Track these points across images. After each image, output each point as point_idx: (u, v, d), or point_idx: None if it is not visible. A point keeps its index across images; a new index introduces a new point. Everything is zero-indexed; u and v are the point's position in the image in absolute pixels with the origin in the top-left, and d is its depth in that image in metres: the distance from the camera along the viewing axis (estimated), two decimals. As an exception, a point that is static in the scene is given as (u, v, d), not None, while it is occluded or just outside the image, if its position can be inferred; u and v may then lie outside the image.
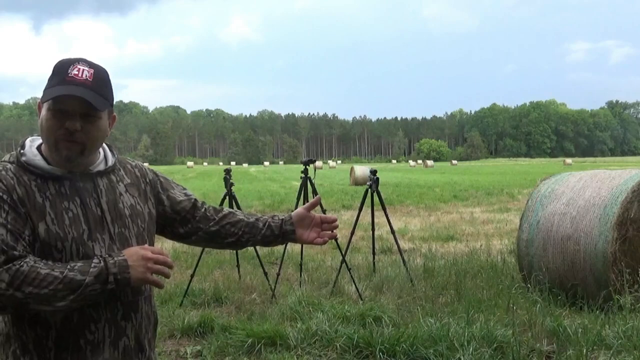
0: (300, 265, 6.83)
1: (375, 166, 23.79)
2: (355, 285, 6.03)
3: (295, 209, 2.03)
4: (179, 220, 1.85)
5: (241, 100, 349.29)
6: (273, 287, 6.15)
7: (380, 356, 4.28)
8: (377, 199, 6.45)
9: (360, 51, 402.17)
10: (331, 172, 53.77)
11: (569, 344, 4.32)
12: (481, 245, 8.98)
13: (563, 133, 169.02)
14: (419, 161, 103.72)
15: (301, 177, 6.42)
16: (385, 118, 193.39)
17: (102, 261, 1.51)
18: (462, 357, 4.09)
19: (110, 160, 1.71)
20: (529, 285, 5.77)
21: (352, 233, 6.67)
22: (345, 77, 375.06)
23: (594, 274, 5.29)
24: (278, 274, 6.42)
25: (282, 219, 1.92)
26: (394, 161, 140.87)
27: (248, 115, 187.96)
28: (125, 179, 1.74)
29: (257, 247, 5.89)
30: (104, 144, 1.71)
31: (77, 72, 1.56)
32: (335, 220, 1.94)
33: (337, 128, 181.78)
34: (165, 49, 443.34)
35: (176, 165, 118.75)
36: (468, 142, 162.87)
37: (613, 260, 5.13)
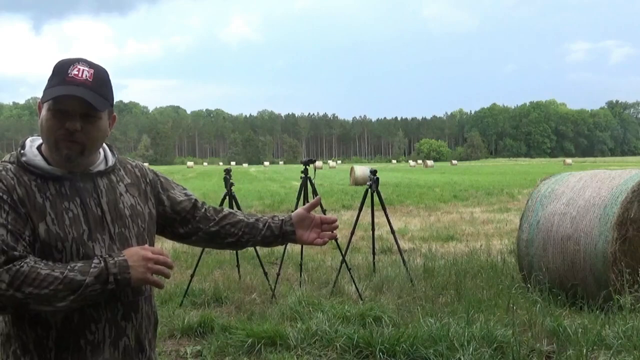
0: (300, 265, 6.83)
1: (375, 166, 23.79)
2: (355, 285, 6.03)
3: (295, 209, 2.03)
4: (179, 221, 1.85)
5: (241, 100, 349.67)
6: (273, 287, 6.15)
7: (380, 356, 4.28)
8: (377, 199, 6.45)
9: (360, 51, 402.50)
10: (331, 172, 53.78)
11: (569, 344, 4.32)
12: (481, 245, 8.98)
13: (563, 133, 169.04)
14: (419, 161, 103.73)
15: (301, 177, 6.42)
16: (385, 118, 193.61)
17: (102, 261, 1.51)
18: (462, 357, 4.09)
19: (111, 161, 1.71)
20: (529, 285, 5.77)
21: (352, 233, 6.67)
22: (345, 77, 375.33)
23: (594, 274, 5.29)
24: (278, 274, 6.42)
25: (282, 220, 1.92)
26: (394, 161, 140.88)
27: (248, 115, 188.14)
28: (126, 179, 1.74)
29: (257, 247, 5.89)
30: (104, 144, 1.71)
31: (77, 72, 1.56)
32: (335, 221, 1.94)
33: (337, 128, 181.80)
34: (165, 49, 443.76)
35: (176, 165, 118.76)
36: (468, 142, 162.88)
37: (613, 260, 5.13)
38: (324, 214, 6.40)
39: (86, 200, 1.60)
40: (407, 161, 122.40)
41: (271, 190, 24.79)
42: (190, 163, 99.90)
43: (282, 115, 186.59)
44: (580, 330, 4.49)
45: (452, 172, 51.53)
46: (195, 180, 38.33)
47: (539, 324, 4.71)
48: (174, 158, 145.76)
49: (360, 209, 6.74)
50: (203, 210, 1.89)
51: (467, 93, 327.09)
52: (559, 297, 5.46)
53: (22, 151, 1.62)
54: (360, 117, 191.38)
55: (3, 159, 1.62)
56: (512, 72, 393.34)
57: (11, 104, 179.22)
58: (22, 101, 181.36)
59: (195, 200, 1.90)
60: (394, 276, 6.62)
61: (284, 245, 5.71)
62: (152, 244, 1.74)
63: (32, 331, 1.55)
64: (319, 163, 69.72)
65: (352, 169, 30.19)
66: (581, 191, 5.69)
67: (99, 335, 1.59)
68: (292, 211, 1.98)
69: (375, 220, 6.86)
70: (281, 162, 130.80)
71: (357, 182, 27.11)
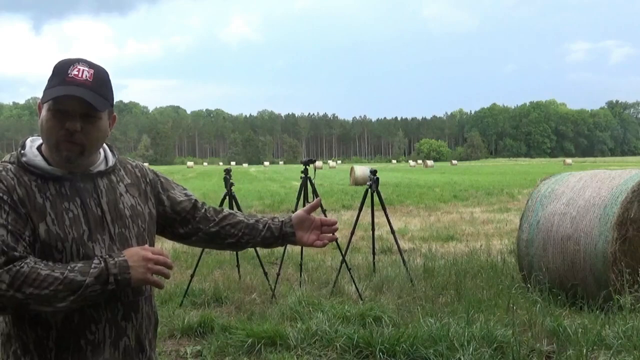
0: (300, 265, 6.83)
1: (375, 166, 23.79)
2: (355, 285, 6.03)
3: (295, 208, 2.04)
4: (179, 221, 1.85)
5: (241, 100, 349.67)
6: (273, 287, 6.15)
7: (380, 356, 4.28)
8: (377, 199, 6.45)
9: (360, 51, 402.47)
10: (331, 172, 53.78)
11: (569, 344, 4.32)
12: (481, 245, 8.98)
13: (563, 133, 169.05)
14: (419, 161, 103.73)
15: (301, 177, 6.42)
16: (385, 118, 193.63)
17: (102, 262, 1.51)
18: (462, 357, 4.09)
19: (111, 161, 1.71)
20: (529, 285, 5.77)
21: (352, 233, 6.67)
22: (345, 77, 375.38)
23: (594, 274, 5.29)
24: (278, 274, 6.42)
25: (282, 221, 1.92)
26: (394, 161, 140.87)
27: (248, 115, 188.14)
28: (126, 179, 1.74)
29: (257, 248, 5.90)
30: (104, 144, 1.71)
31: (77, 73, 1.56)
32: (335, 223, 1.95)
33: (337, 128, 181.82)
34: (165, 49, 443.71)
35: (176, 165, 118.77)
36: (468, 142, 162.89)
37: (613, 260, 5.13)
38: (324, 214, 6.41)
39: (86, 201, 1.60)
40: (407, 161, 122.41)
41: (271, 190, 24.80)
42: (190, 163, 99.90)
43: (282, 115, 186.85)
44: (580, 330, 4.49)
45: (452, 172, 51.53)
46: (195, 180, 38.33)
47: (539, 324, 4.71)
48: (174, 158, 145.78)
49: (360, 209, 6.74)
50: (203, 210, 1.89)
51: (467, 93, 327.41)
52: (559, 297, 5.46)
53: (22, 151, 1.62)
54: (360, 117, 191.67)
55: (3, 159, 1.62)
56: (512, 72, 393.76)
57: (11, 104, 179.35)
58: (22, 101, 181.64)
59: (196, 200, 1.90)
60: (394, 276, 6.62)
61: (284, 246, 5.70)
62: (152, 244, 1.74)
63: (32, 331, 1.55)
64: (319, 163, 69.71)
65: (352, 169, 30.20)
66: (581, 191, 5.69)
67: (99, 335, 1.59)
68: (292, 211, 1.98)
69: (375, 220, 6.86)
70: (281, 162, 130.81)
71: (357, 182, 27.12)
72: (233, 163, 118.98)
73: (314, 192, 6.29)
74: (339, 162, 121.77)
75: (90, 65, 1.59)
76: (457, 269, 6.93)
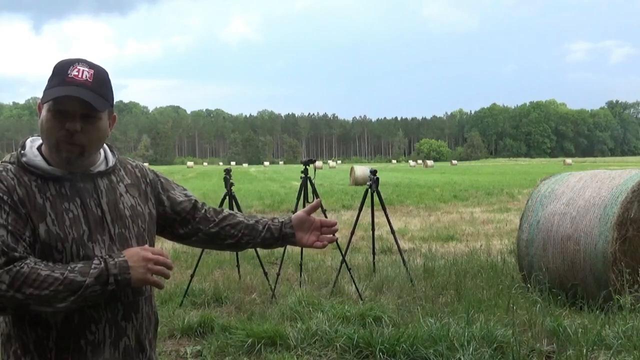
0: (300, 265, 6.83)
1: (375, 166, 23.79)
2: (355, 285, 6.03)
3: (296, 208, 2.04)
4: (179, 221, 1.85)
5: (241, 100, 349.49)
6: (273, 287, 6.15)
7: (380, 356, 4.29)
8: (377, 199, 6.45)
9: (360, 51, 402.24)
10: (331, 172, 53.78)
11: (569, 344, 4.32)
12: (481, 245, 8.98)
13: (563, 133, 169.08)
14: (419, 161, 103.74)
15: (301, 177, 6.42)
16: (385, 118, 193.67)
17: (102, 262, 1.51)
18: (462, 357, 4.09)
19: (111, 161, 1.71)
20: (529, 285, 5.77)
21: (352, 233, 6.67)
22: (345, 77, 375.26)
23: (594, 274, 5.29)
24: (278, 274, 6.42)
25: (282, 222, 1.92)
26: (394, 161, 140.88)
27: (248, 115, 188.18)
28: (126, 179, 1.74)
29: (257, 248, 5.90)
30: (104, 145, 1.71)
31: (77, 73, 1.56)
32: (335, 224, 1.94)
33: (337, 128, 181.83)
34: (165, 49, 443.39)
35: (176, 165, 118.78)
36: (468, 142, 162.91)
37: (613, 260, 5.13)
38: (325, 214, 6.41)
39: (86, 201, 1.60)
40: (407, 161, 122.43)
41: (271, 190, 24.80)
42: (190, 163, 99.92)
43: (282, 115, 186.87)
44: (580, 330, 4.49)
45: (452, 172, 51.54)
46: (195, 180, 38.33)
47: (539, 324, 4.71)
48: (174, 158, 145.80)
49: (360, 209, 6.74)
50: (203, 211, 1.89)
51: (467, 93, 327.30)
52: (559, 297, 5.46)
53: (22, 151, 1.62)
54: (360, 117, 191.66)
55: (3, 160, 1.62)
56: (512, 72, 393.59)
57: (11, 104, 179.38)
58: (22, 101, 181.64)
59: (195, 201, 1.90)
60: (394, 276, 6.62)
61: (283, 247, 5.71)
62: (152, 245, 1.74)
63: (32, 331, 1.55)
64: (319, 163, 69.71)
65: (352, 169, 30.20)
66: (581, 191, 5.69)
67: (99, 335, 1.59)
68: (292, 211, 1.98)
69: (375, 220, 6.86)
70: (281, 162, 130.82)
71: (357, 182, 27.12)
72: (233, 163, 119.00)
73: (314, 192, 6.29)
74: (339, 162, 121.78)
75: (90, 65, 1.59)
76: (457, 269, 6.93)
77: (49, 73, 1.59)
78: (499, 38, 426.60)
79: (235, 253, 7.02)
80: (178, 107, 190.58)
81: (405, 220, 13.08)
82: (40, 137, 1.64)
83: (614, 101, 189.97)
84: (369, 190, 6.55)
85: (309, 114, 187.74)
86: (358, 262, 7.72)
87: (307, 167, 6.32)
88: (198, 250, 6.76)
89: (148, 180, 1.81)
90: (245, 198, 18.47)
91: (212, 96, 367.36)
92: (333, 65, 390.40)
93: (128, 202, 1.69)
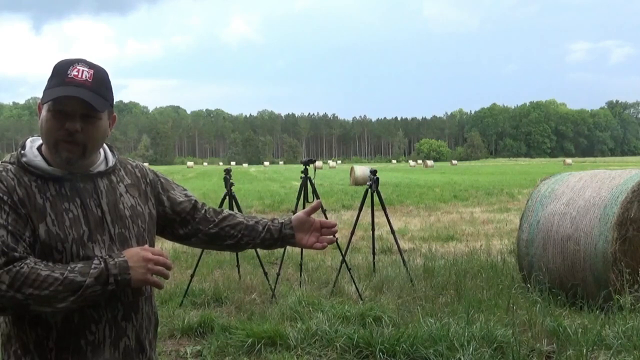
0: (300, 265, 6.83)
1: (375, 166, 23.79)
2: (355, 285, 6.03)
3: (295, 208, 2.04)
4: (179, 222, 1.85)
5: (241, 100, 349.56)
6: (273, 287, 6.15)
7: (380, 356, 4.28)
8: (377, 199, 6.45)
9: (360, 51, 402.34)
10: (331, 172, 53.77)
11: (569, 344, 4.32)
12: (481, 245, 8.98)
13: (563, 133, 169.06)
14: (419, 161, 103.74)
15: (301, 177, 6.42)
16: (385, 118, 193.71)
17: (102, 262, 1.51)
18: (462, 357, 4.09)
19: (111, 161, 1.71)
20: (529, 285, 5.77)
21: (352, 233, 6.67)
22: (345, 77, 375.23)
23: (594, 274, 5.29)
24: (278, 274, 6.42)
25: (282, 223, 1.92)
26: (394, 161, 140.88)
27: (248, 115, 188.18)
28: (126, 179, 1.74)
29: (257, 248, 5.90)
30: (104, 145, 1.71)
31: (76, 73, 1.56)
32: (334, 226, 1.94)
33: (337, 128, 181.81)
34: (165, 49, 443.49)
35: (176, 165, 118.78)
36: (468, 142, 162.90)
37: (613, 260, 5.13)
38: (325, 214, 6.41)
39: (86, 201, 1.60)
40: (407, 161, 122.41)
41: (271, 190, 24.79)
42: (190, 163, 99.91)
43: (282, 115, 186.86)
44: (580, 330, 4.49)
45: (452, 172, 51.53)
46: (195, 180, 38.33)
47: (539, 324, 4.71)
48: (174, 158, 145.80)
49: (360, 209, 6.74)
50: (203, 211, 1.89)
51: (467, 93, 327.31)
52: (559, 297, 5.46)
53: (22, 152, 1.62)
54: (360, 117, 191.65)
55: (3, 160, 1.62)
56: (512, 72, 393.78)
57: (11, 104, 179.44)
58: (22, 101, 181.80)
59: (195, 201, 1.89)
60: (394, 276, 6.62)
61: (283, 247, 5.71)
62: (152, 245, 1.74)
63: (32, 331, 1.55)
64: (319, 163, 69.71)
65: (352, 169, 30.19)
66: (581, 191, 5.69)
67: (99, 335, 1.59)
68: (292, 211, 1.98)
69: (375, 220, 6.86)
70: (281, 162, 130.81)
71: (357, 182, 27.12)
72: (233, 163, 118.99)
73: (314, 192, 6.29)
74: (339, 162, 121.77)
75: (89, 65, 1.59)
76: (457, 269, 6.93)
77: (49, 73, 1.59)
78: (499, 38, 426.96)
79: (235, 253, 7.02)
80: (178, 107, 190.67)
81: (405, 220, 13.08)
82: (40, 138, 1.63)
83: (614, 101, 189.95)
84: (369, 190, 6.55)
85: (309, 114, 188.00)
86: (358, 262, 7.72)
87: (307, 167, 6.32)
88: (198, 250, 6.76)
89: (148, 180, 1.81)
90: (245, 198, 18.47)
91: (212, 96, 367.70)
92: (333, 65, 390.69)
93: (128, 203, 1.69)
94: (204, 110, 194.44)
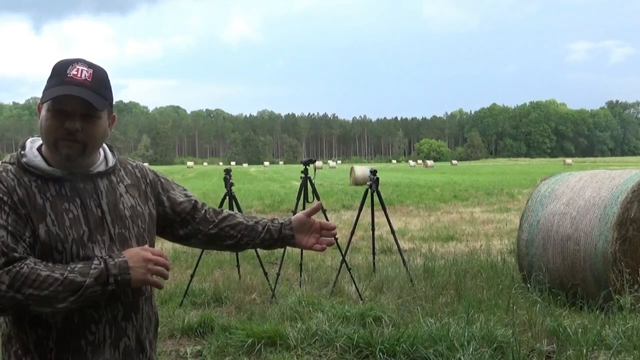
0: (300, 265, 6.83)
1: (375, 166, 23.80)
2: (355, 285, 6.03)
3: (295, 208, 2.04)
4: (179, 222, 1.85)
5: (241, 100, 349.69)
6: (273, 287, 6.15)
7: (380, 356, 4.28)
8: (377, 199, 6.45)
9: (360, 51, 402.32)
10: (331, 172, 53.77)
11: (569, 344, 4.32)
12: (481, 245, 8.98)
13: (563, 133, 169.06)
14: (419, 161, 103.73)
15: (301, 177, 6.42)
16: (385, 118, 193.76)
17: (102, 262, 1.51)
18: (462, 357, 4.09)
19: (111, 161, 1.71)
20: (529, 285, 5.77)
21: (352, 233, 6.67)
22: (345, 77, 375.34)
23: (594, 274, 5.29)
24: (278, 274, 6.42)
25: (282, 223, 1.92)
26: (394, 161, 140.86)
27: (248, 115, 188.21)
28: (126, 179, 1.74)
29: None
30: (104, 145, 1.71)
31: (76, 73, 1.56)
32: (334, 228, 1.95)
33: (337, 128, 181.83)
34: (165, 49, 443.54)
35: (176, 165, 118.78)
36: (468, 142, 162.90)
37: (613, 260, 5.13)
38: (325, 214, 6.40)
39: (86, 201, 1.60)
40: (407, 161, 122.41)
41: (271, 190, 24.79)
42: (190, 163, 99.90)
43: (282, 115, 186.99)
44: (580, 330, 4.49)
45: (452, 172, 51.53)
46: (195, 180, 38.33)
47: (539, 324, 4.71)
48: (174, 158, 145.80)
49: (360, 209, 6.73)
50: (203, 211, 1.88)
51: (467, 93, 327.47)
52: (559, 297, 5.46)
53: (22, 152, 1.61)
54: (360, 117, 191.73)
55: (3, 160, 1.62)
56: (512, 72, 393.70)
57: (11, 104, 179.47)
58: (22, 101, 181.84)
59: (195, 201, 1.89)
60: (394, 276, 6.62)
61: (283, 248, 5.71)
62: (152, 245, 1.74)
63: (32, 332, 1.55)
64: (319, 163, 69.70)
65: (352, 169, 30.20)
66: (581, 191, 5.69)
67: (100, 335, 1.59)
68: (292, 211, 1.98)
69: (375, 220, 6.86)
70: (281, 162, 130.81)
71: (357, 182, 27.12)
72: (233, 163, 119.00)
73: (314, 192, 6.29)
74: (339, 162, 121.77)
75: (89, 65, 1.59)
76: (457, 269, 6.93)
77: (49, 73, 1.59)
78: (499, 38, 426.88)
79: (235, 253, 7.02)
80: (178, 107, 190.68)
81: (405, 220, 13.08)
82: (40, 138, 1.63)
83: (614, 101, 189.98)
84: (369, 190, 6.54)
85: (309, 114, 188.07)
86: (358, 262, 7.72)
87: (307, 167, 6.32)
88: (198, 250, 6.76)
89: (148, 180, 1.81)
90: (245, 198, 18.47)
91: (212, 96, 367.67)
92: (333, 65, 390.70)
93: (128, 203, 1.69)
94: (204, 110, 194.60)
